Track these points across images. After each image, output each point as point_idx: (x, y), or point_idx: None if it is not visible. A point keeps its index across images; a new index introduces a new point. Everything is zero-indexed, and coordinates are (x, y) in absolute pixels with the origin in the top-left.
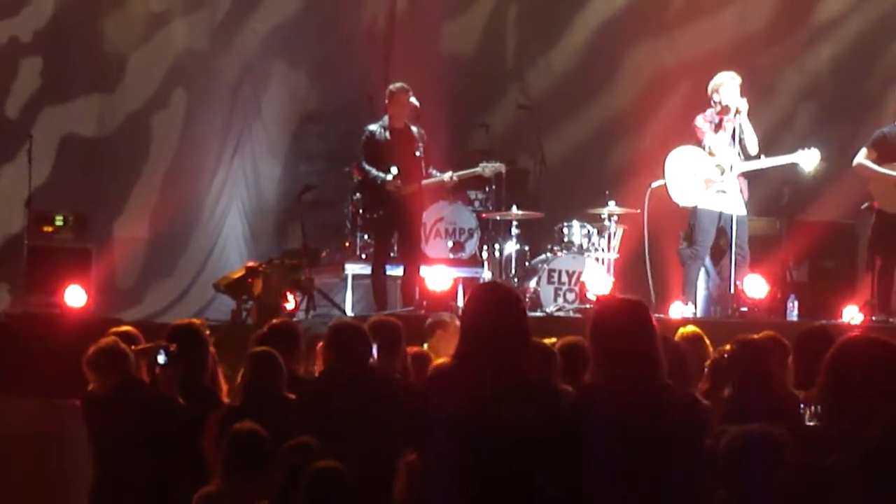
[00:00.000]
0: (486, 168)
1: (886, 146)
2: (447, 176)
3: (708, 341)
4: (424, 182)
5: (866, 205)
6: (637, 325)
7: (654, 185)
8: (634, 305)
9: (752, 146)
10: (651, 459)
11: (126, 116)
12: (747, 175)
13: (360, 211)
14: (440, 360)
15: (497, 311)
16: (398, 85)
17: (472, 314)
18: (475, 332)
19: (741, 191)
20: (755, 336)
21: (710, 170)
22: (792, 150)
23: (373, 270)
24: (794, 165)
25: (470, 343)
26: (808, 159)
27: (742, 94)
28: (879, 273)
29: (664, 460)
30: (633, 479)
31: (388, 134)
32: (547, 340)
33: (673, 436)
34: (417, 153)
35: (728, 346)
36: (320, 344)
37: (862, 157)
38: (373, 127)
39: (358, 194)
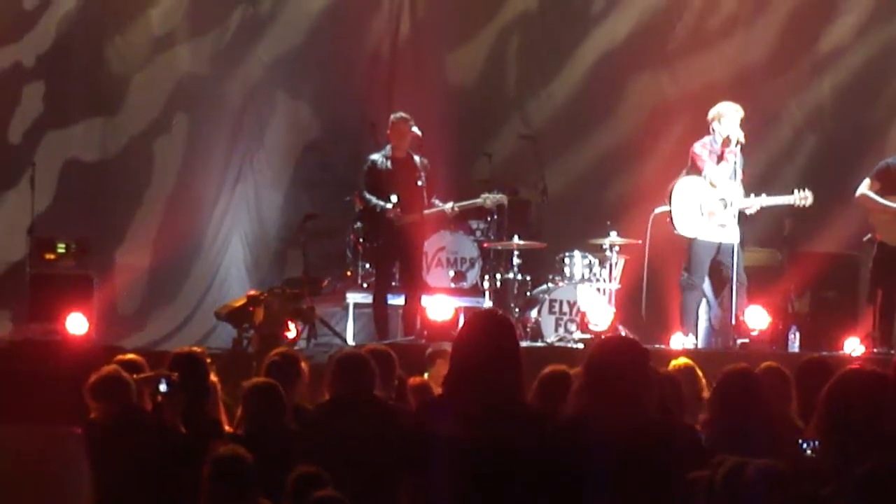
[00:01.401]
0: (488, 199)
1: (890, 178)
2: (448, 206)
3: (700, 373)
4: (426, 212)
5: (868, 237)
6: (631, 365)
7: (657, 210)
8: (631, 346)
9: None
10: (636, 483)
11: (128, 140)
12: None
13: (361, 240)
14: (419, 385)
15: (488, 337)
16: (399, 115)
17: (462, 340)
18: (465, 358)
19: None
20: (744, 364)
21: (714, 203)
22: (794, 180)
23: (374, 299)
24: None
25: (459, 369)
26: (802, 200)
27: (743, 126)
28: (881, 305)
29: (649, 484)
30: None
31: (389, 163)
32: (547, 369)
33: (661, 463)
34: (419, 182)
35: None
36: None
37: (865, 189)
38: (375, 156)
39: (359, 223)
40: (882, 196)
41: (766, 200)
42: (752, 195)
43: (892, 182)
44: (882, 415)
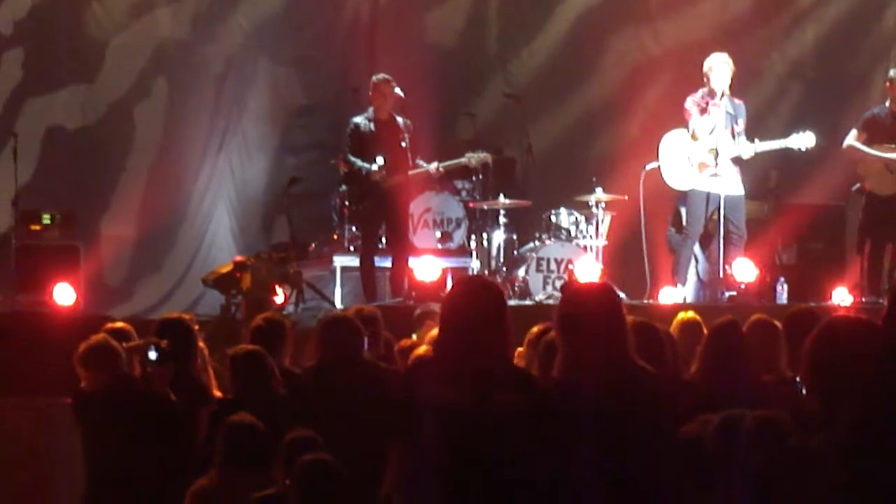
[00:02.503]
0: (472, 158)
1: (876, 127)
2: (433, 167)
3: (706, 328)
4: (410, 172)
5: (857, 186)
6: (601, 309)
7: (648, 167)
8: (599, 289)
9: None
10: (626, 442)
11: (108, 107)
12: (736, 159)
13: (347, 203)
14: (420, 350)
15: (476, 301)
16: (381, 76)
17: (450, 304)
18: (454, 322)
19: (737, 172)
20: (731, 317)
21: (703, 154)
22: (779, 132)
23: (361, 262)
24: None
25: (448, 333)
26: (803, 142)
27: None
28: (870, 255)
29: (641, 446)
30: (611, 463)
31: (372, 125)
32: (535, 328)
33: (646, 418)
34: (403, 144)
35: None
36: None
37: (852, 139)
38: (357, 119)
39: (344, 186)
40: (868, 146)
41: (762, 146)
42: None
43: (878, 132)
44: (869, 362)
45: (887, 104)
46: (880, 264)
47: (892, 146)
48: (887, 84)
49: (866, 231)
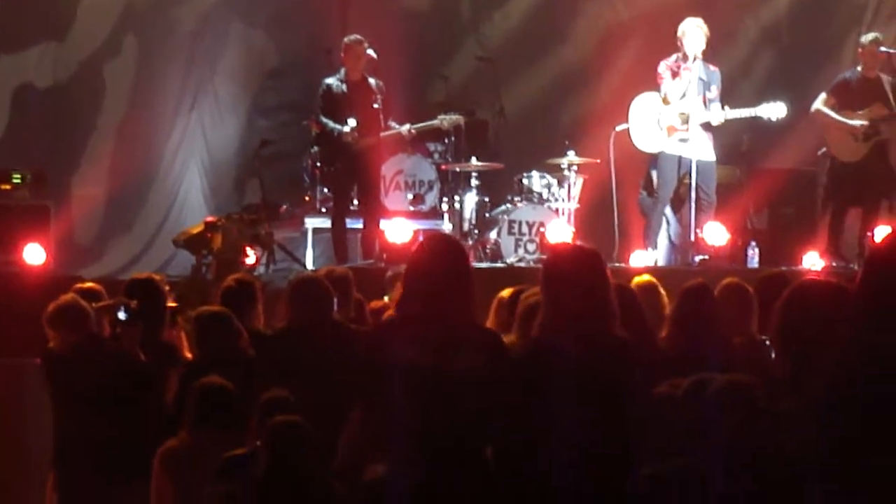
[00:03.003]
0: (445, 120)
1: (847, 93)
2: (405, 128)
3: (663, 290)
4: (383, 134)
5: (822, 151)
6: (589, 273)
7: (618, 128)
8: (587, 253)
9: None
10: (599, 408)
11: (78, 65)
12: (707, 125)
13: (318, 164)
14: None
15: (438, 260)
16: (353, 37)
17: (413, 263)
18: (416, 282)
19: (709, 138)
20: (702, 280)
21: (673, 117)
22: (752, 97)
23: (332, 223)
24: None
25: (411, 292)
26: (774, 112)
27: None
28: (831, 220)
29: (614, 408)
30: (584, 427)
31: (345, 86)
32: (505, 291)
33: (621, 384)
34: (375, 105)
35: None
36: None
37: (820, 104)
38: (330, 80)
39: (315, 147)
40: (838, 111)
41: (731, 113)
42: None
43: (849, 97)
44: (839, 325)
45: (859, 69)
46: (840, 229)
47: (860, 112)
48: (859, 50)
49: (830, 196)
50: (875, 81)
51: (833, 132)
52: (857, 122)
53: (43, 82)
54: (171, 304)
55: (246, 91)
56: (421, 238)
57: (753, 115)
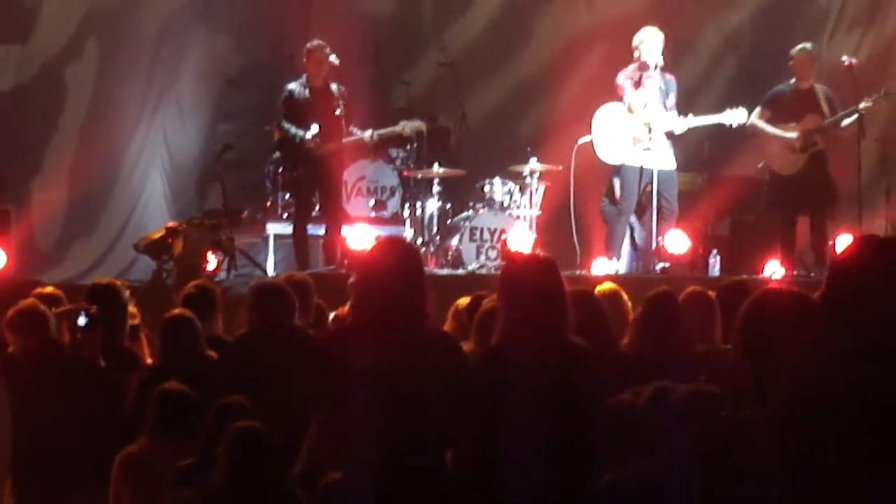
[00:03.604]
0: (407, 126)
1: (780, 105)
2: (367, 134)
3: (626, 297)
4: (345, 140)
5: (761, 164)
6: (544, 281)
7: (580, 141)
8: (542, 262)
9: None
10: (557, 415)
11: (40, 68)
12: (669, 133)
13: (280, 170)
14: (344, 316)
15: (393, 263)
16: (315, 42)
17: (365, 267)
18: (369, 286)
19: (670, 146)
20: (667, 288)
21: (637, 128)
22: (713, 106)
23: (294, 229)
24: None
25: (364, 297)
26: (736, 118)
27: (664, 51)
28: (781, 232)
29: (572, 415)
30: (541, 435)
31: (307, 92)
32: (462, 300)
33: (579, 392)
34: (338, 111)
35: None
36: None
37: (755, 118)
38: (292, 85)
39: (277, 153)
40: (773, 124)
41: (694, 121)
42: (680, 117)
43: (783, 109)
44: (801, 335)
45: (792, 81)
46: (792, 240)
47: (794, 124)
48: (790, 62)
49: (774, 208)
50: (809, 92)
51: (770, 145)
52: (791, 134)
53: (5, 84)
54: (132, 322)
55: (208, 96)
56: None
57: (716, 122)
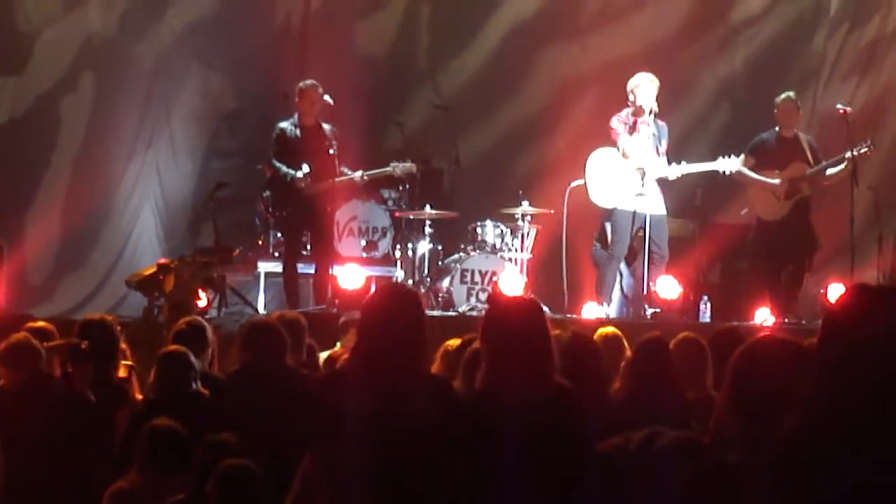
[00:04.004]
0: (398, 168)
1: (765, 153)
2: (358, 175)
3: (626, 342)
4: (336, 180)
5: (745, 211)
6: (528, 324)
7: (573, 184)
8: (526, 304)
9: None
10: (544, 458)
11: (35, 101)
12: (661, 179)
13: (270, 209)
14: (337, 355)
15: (395, 309)
16: (308, 82)
17: (369, 311)
18: (371, 329)
19: (659, 191)
20: (658, 334)
21: (629, 173)
22: (707, 150)
23: (284, 268)
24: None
25: (366, 340)
26: (729, 166)
27: (659, 97)
28: (769, 280)
29: (558, 458)
30: (527, 478)
31: (298, 131)
32: (452, 342)
33: (566, 434)
34: (331, 151)
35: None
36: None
37: (739, 164)
38: (283, 124)
39: (267, 192)
40: (758, 171)
41: (688, 168)
42: (674, 164)
43: (767, 157)
44: (792, 383)
45: (776, 129)
46: (779, 288)
47: (777, 172)
48: (775, 110)
49: (760, 256)
50: (793, 140)
51: (755, 192)
52: (775, 181)
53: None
54: (126, 362)
55: (202, 133)
56: (374, 286)
57: (710, 169)
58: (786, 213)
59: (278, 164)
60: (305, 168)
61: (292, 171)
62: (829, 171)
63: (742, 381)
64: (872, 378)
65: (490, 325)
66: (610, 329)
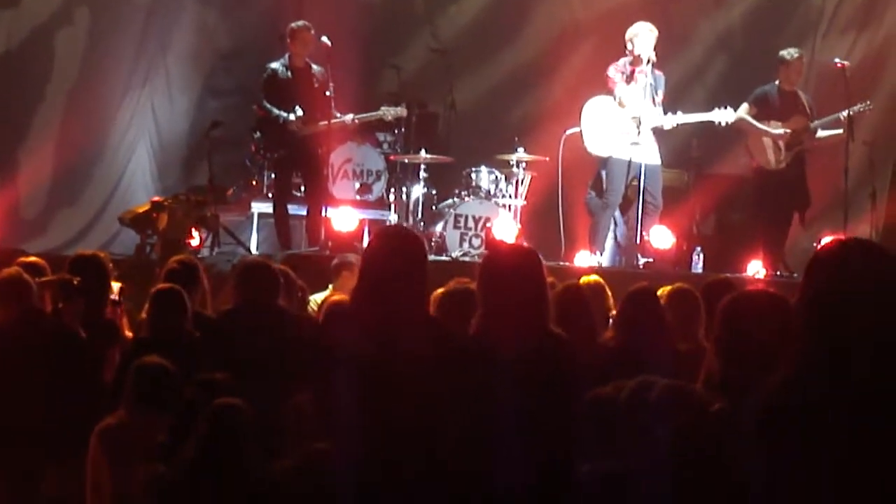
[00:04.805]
0: (388, 112)
1: (765, 105)
2: (348, 118)
3: (609, 291)
4: (329, 122)
5: (745, 160)
6: (524, 272)
7: (568, 132)
8: (523, 252)
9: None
10: (537, 404)
11: (30, 32)
12: (657, 129)
13: (262, 150)
14: (335, 298)
15: (397, 252)
16: (301, 23)
17: (371, 254)
18: (373, 271)
19: (655, 141)
20: (647, 284)
21: (625, 122)
22: (703, 101)
23: (274, 210)
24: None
25: (367, 282)
26: (724, 117)
27: (656, 46)
28: (766, 229)
29: (552, 404)
30: (522, 421)
31: (289, 73)
32: (439, 291)
33: (559, 382)
34: (327, 93)
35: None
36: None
37: (742, 112)
38: (274, 65)
39: (258, 133)
40: (760, 121)
41: (683, 118)
42: (669, 114)
43: (767, 109)
44: (776, 334)
45: (777, 83)
46: (775, 237)
47: (779, 124)
48: (781, 64)
49: (760, 206)
50: (793, 95)
51: (757, 142)
52: (779, 131)
53: None
54: (114, 296)
55: (198, 71)
56: (368, 229)
57: (705, 119)
58: (787, 164)
59: (270, 107)
60: (299, 111)
61: (284, 114)
62: (827, 133)
63: (729, 328)
64: (854, 328)
65: (487, 271)
66: (593, 277)
